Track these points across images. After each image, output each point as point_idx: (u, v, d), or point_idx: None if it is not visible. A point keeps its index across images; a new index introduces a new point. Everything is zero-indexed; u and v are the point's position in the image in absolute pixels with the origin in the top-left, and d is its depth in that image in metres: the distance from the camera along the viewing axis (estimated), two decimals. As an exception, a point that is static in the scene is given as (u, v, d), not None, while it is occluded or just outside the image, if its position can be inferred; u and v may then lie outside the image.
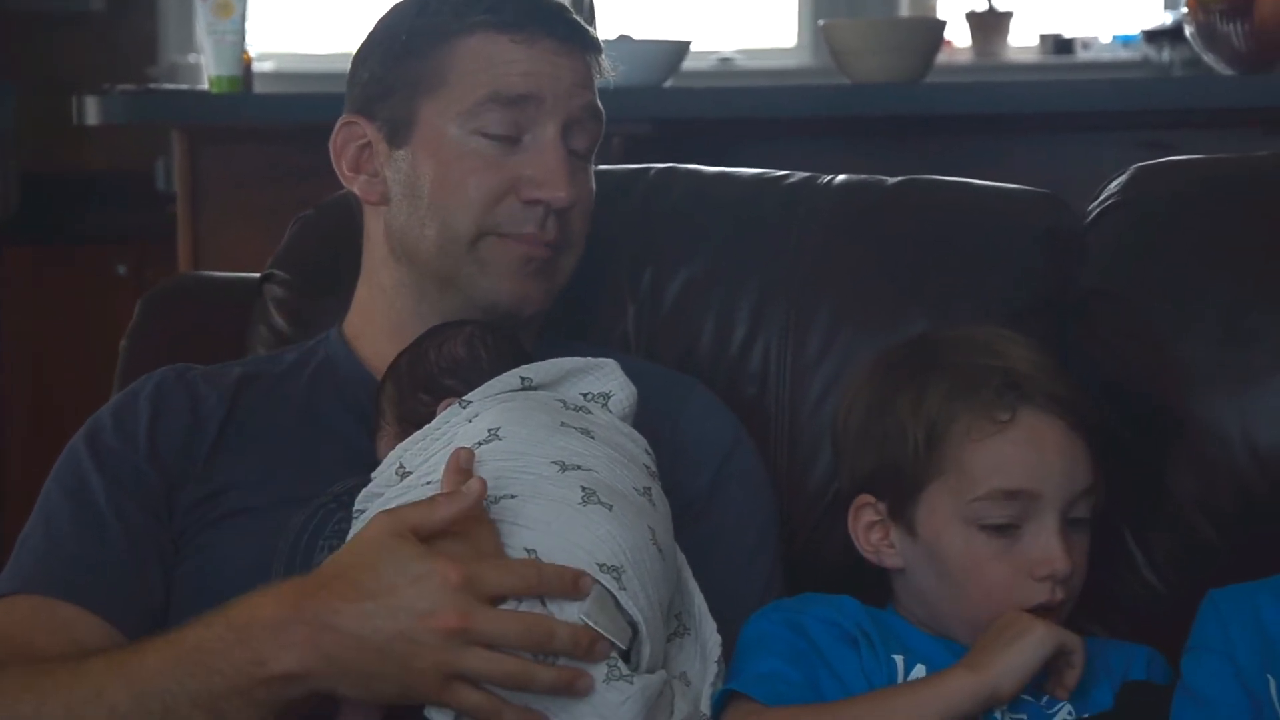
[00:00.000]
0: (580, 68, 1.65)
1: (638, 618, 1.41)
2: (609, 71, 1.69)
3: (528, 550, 1.42)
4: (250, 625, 1.35)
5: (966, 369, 1.53)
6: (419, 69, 1.63)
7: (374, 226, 1.69)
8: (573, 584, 1.35)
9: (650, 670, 1.42)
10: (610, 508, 1.44)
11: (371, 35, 1.69)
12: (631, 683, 1.38)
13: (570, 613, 1.38)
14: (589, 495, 1.44)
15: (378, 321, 1.69)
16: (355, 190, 1.68)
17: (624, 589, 1.41)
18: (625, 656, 1.41)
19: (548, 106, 1.62)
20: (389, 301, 1.68)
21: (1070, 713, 1.50)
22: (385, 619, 1.32)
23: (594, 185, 1.70)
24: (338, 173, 1.69)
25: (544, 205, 1.62)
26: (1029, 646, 1.44)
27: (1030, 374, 1.52)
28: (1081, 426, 1.52)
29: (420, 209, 1.63)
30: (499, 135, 1.61)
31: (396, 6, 1.69)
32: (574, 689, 1.33)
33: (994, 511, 1.49)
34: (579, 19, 1.67)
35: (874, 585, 1.59)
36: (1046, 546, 1.48)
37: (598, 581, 1.40)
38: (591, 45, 1.67)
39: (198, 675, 1.36)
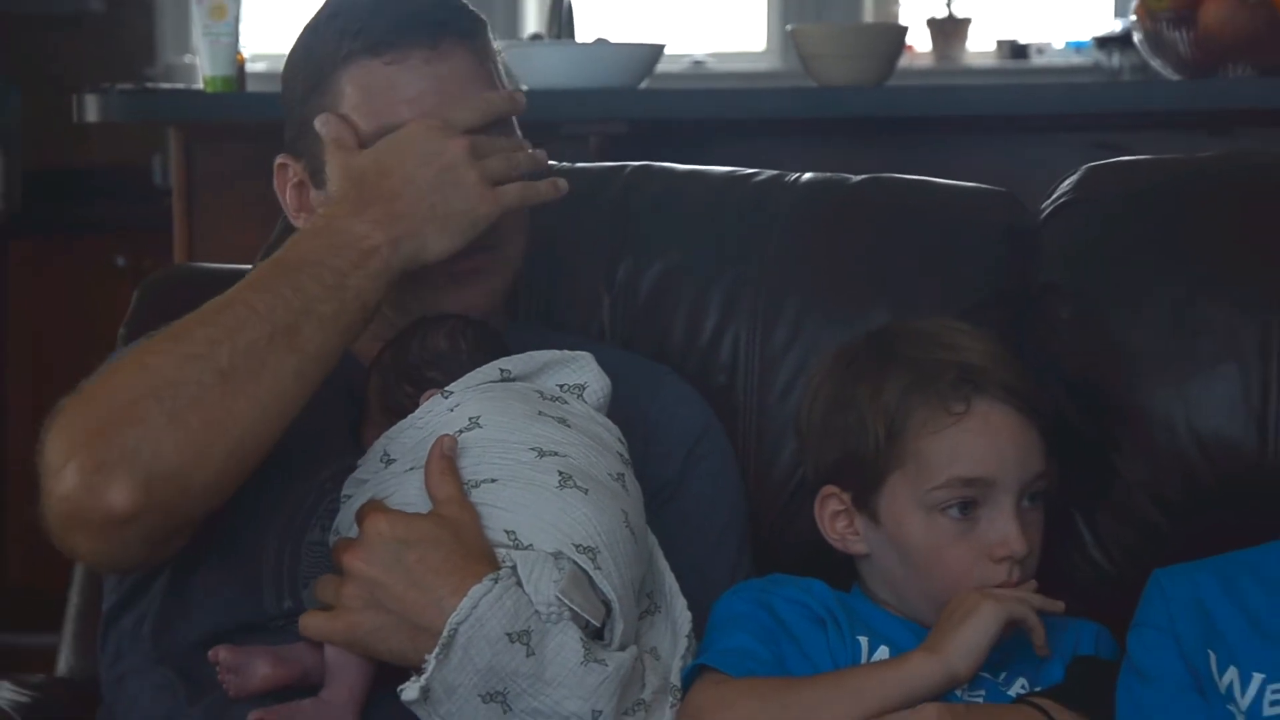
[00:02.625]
0: (462, 66, 1.57)
1: (611, 596, 1.41)
2: (500, 47, 1.63)
3: (507, 531, 1.42)
4: (341, 228, 1.48)
5: (922, 362, 1.52)
6: (316, 106, 1.58)
7: None
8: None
9: (622, 646, 1.42)
10: (586, 492, 1.43)
11: (284, 73, 1.64)
12: (606, 665, 1.38)
13: (547, 592, 1.38)
14: (565, 480, 1.43)
15: None
16: (300, 226, 1.63)
17: (599, 569, 1.40)
18: (599, 633, 1.41)
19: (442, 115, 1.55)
20: None
21: (1024, 686, 1.50)
22: (412, 172, 1.49)
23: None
24: (286, 213, 1.66)
25: None
26: (980, 623, 1.44)
27: (983, 365, 1.52)
28: (1033, 414, 1.52)
29: None
30: None
31: (297, 40, 1.63)
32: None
33: (952, 498, 1.49)
34: (455, 6, 1.59)
35: (838, 567, 1.59)
36: (1004, 530, 1.48)
37: (574, 561, 1.40)
38: (469, 32, 1.59)
39: (313, 263, 1.46)
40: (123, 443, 1.38)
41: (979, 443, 1.49)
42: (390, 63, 1.56)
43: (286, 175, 1.64)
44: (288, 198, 1.64)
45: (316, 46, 1.59)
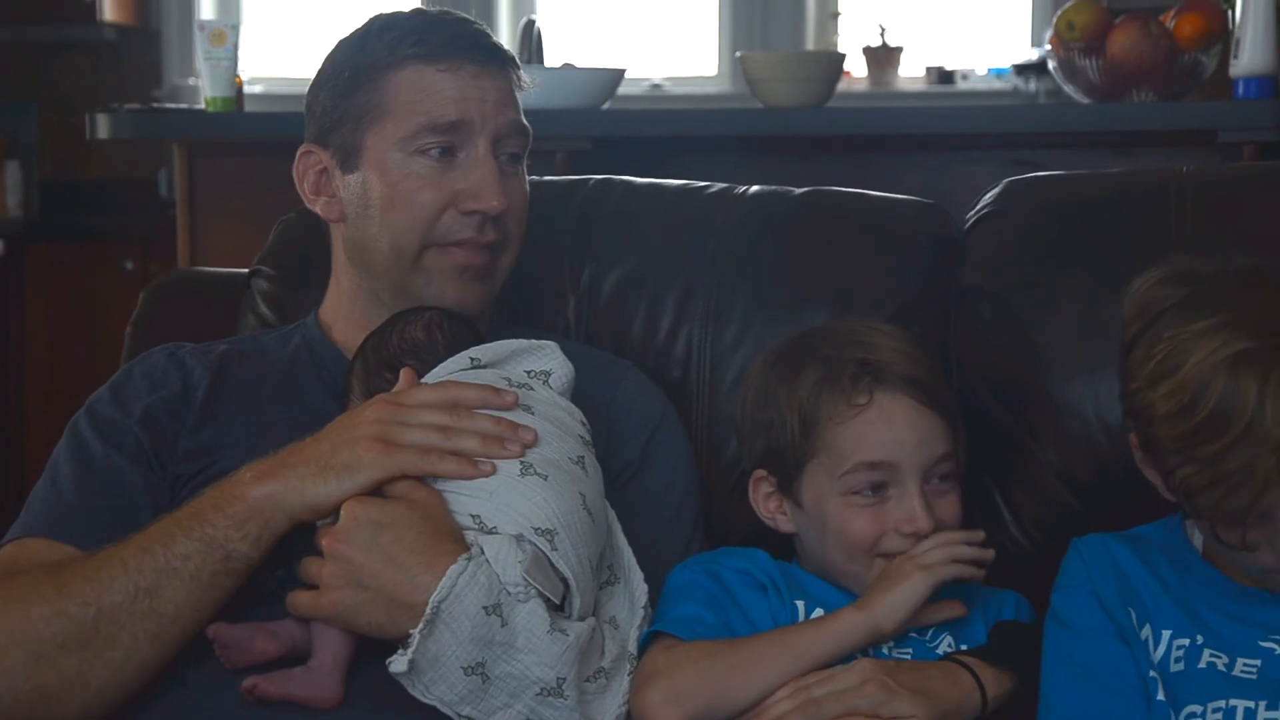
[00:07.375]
0: (502, 86, 1.63)
1: (568, 574, 1.40)
2: (528, 84, 1.67)
3: (473, 516, 1.42)
4: (234, 481, 1.44)
5: (832, 360, 1.51)
6: (363, 102, 1.61)
7: (335, 239, 1.68)
8: (495, 393, 1.45)
9: (581, 617, 1.41)
10: (546, 478, 1.42)
11: (321, 71, 1.66)
12: (568, 634, 1.37)
13: (514, 572, 1.37)
14: (527, 468, 1.43)
15: (344, 314, 1.69)
16: (317, 210, 1.67)
17: (556, 550, 1.40)
18: (560, 607, 1.40)
19: (476, 126, 1.60)
20: (351, 301, 1.68)
21: (950, 645, 1.50)
22: (334, 427, 1.46)
23: (527, 189, 1.68)
24: (301, 195, 1.67)
25: (480, 214, 1.60)
26: (909, 588, 1.44)
27: (885, 361, 1.51)
28: (932, 403, 1.50)
29: (373, 225, 1.62)
30: (436, 156, 1.60)
31: (340, 44, 1.66)
32: (477, 467, 1.42)
33: (861, 481, 1.49)
34: (497, 41, 1.66)
35: (781, 542, 1.59)
36: (909, 508, 1.48)
37: (533, 544, 1.39)
38: (509, 63, 1.65)
39: (189, 517, 1.42)
40: None
41: (879, 431, 1.49)
42: (443, 70, 1.60)
43: (309, 162, 1.66)
44: (306, 183, 1.66)
45: (368, 50, 1.62)
